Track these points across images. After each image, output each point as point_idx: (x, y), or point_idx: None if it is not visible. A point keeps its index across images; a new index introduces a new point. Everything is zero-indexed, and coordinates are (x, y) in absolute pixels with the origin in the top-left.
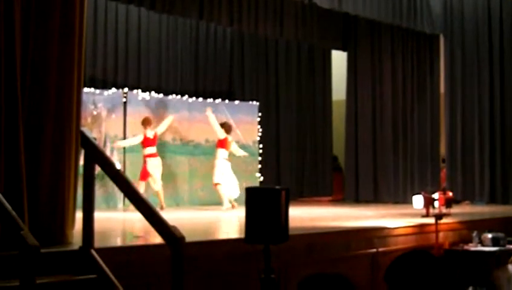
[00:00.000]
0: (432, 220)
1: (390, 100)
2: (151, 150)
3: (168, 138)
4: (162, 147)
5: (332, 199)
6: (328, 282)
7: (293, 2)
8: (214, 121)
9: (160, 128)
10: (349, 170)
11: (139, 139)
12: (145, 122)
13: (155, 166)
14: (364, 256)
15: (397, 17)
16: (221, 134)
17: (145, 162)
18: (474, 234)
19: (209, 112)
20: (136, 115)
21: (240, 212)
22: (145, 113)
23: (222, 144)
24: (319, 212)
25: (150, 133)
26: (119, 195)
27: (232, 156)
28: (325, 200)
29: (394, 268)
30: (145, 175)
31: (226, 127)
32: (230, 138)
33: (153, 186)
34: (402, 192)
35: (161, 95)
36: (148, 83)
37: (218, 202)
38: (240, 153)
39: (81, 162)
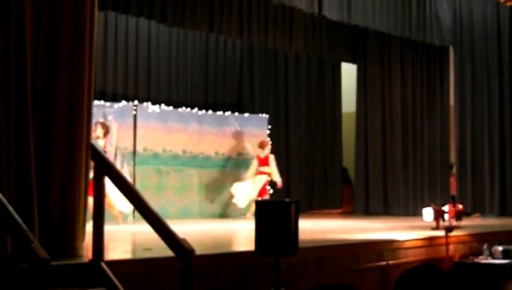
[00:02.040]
0: (442, 233)
1: (400, 112)
2: (262, 169)
3: (178, 150)
4: (172, 159)
5: (342, 212)
6: None
7: (303, 14)
8: None
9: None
10: (359, 182)
11: (256, 162)
12: (263, 145)
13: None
14: (374, 269)
15: (406, 29)
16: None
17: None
18: (485, 246)
19: None
20: (146, 127)
21: (250, 225)
22: (155, 125)
23: None
24: (328, 224)
25: (263, 154)
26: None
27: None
28: (334, 212)
29: (403, 282)
30: (263, 192)
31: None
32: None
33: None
34: (412, 204)
35: (171, 108)
36: (158, 96)
37: (229, 215)
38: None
39: (92, 174)
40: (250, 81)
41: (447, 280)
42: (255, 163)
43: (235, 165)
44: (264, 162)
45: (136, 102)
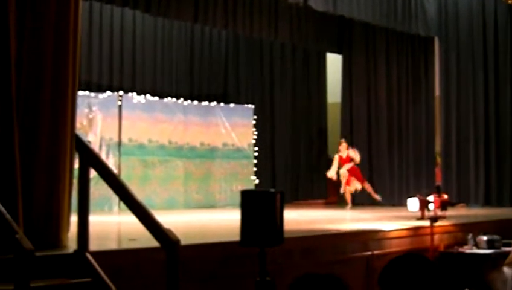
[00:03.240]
0: (427, 223)
1: (385, 103)
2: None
3: (164, 141)
4: (158, 150)
5: (327, 202)
6: (320, 282)
7: (288, 5)
8: None
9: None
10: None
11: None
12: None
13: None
14: (359, 259)
15: (392, 20)
16: None
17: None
18: (469, 236)
19: None
20: (131, 118)
21: (235, 215)
22: (140, 116)
23: None
24: (314, 215)
25: (344, 155)
26: (115, 198)
27: (227, 159)
28: (320, 202)
29: (388, 271)
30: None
31: None
32: None
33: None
34: (397, 195)
35: (156, 98)
36: (143, 86)
37: (214, 205)
38: None
39: (76, 165)
40: (235, 71)
41: (432, 269)
42: (335, 162)
43: (220, 155)
44: (345, 161)
45: (121, 92)
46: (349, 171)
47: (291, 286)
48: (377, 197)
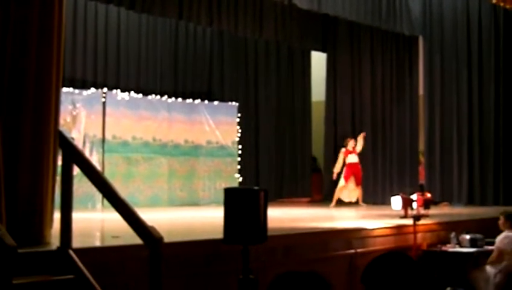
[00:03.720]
0: (410, 221)
1: (370, 101)
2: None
3: (148, 138)
4: (141, 147)
5: (311, 200)
6: (302, 280)
7: (273, 3)
8: None
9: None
10: (328, 171)
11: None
12: (347, 143)
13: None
14: (342, 257)
15: (376, 18)
16: None
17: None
18: (452, 235)
19: None
20: (115, 115)
21: (219, 213)
22: (124, 113)
23: None
24: (297, 213)
25: (351, 148)
26: (98, 195)
27: (211, 157)
28: (304, 201)
29: (371, 270)
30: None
31: None
32: None
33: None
34: (381, 193)
35: (140, 95)
36: (127, 83)
37: (197, 202)
38: None
39: (60, 162)
40: (220, 69)
41: (415, 268)
42: (341, 156)
43: (204, 153)
44: (351, 152)
45: (105, 89)
46: (353, 168)
47: (271, 283)
48: (362, 204)
